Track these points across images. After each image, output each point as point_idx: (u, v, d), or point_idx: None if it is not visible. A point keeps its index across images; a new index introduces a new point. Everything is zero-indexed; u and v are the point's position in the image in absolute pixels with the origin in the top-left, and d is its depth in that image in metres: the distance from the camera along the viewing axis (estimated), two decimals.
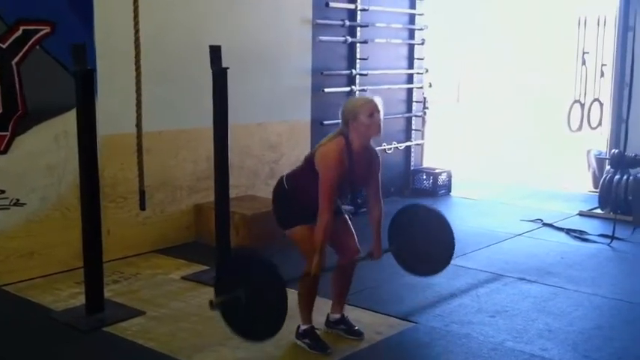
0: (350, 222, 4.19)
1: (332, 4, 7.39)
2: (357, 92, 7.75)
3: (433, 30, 8.79)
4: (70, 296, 4.90)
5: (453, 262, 5.73)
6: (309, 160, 3.93)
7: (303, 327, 4.11)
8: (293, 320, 4.23)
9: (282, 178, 4.08)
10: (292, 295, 4.31)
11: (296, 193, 3.97)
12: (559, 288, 5.20)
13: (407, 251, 4.44)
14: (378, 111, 3.85)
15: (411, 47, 8.56)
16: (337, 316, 4.30)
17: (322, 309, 4.31)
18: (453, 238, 4.40)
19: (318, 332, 4.14)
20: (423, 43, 8.59)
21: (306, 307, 4.10)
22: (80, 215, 4.54)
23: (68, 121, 5.02)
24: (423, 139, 8.96)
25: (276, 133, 6.95)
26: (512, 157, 11.70)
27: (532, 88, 17.06)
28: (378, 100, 3.89)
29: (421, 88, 8.75)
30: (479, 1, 13.19)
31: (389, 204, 7.99)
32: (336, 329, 4.27)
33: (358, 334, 4.24)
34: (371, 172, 4.04)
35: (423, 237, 4.40)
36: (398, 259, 4.53)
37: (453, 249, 4.42)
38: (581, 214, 7.59)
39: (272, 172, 6.93)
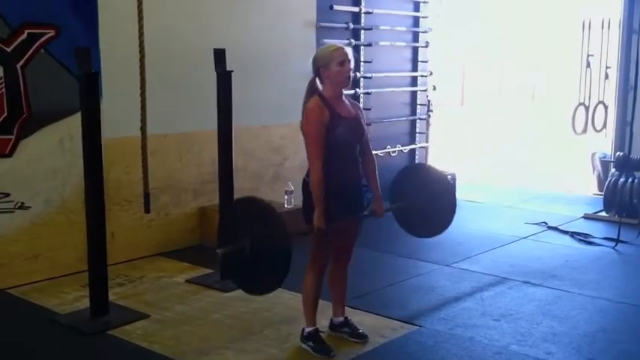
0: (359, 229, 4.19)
1: (336, 7, 7.40)
2: (362, 95, 7.76)
3: (437, 33, 8.78)
4: (74, 299, 4.91)
5: (456, 265, 5.81)
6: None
7: (307, 329, 4.11)
8: (298, 323, 4.25)
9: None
10: (297, 298, 4.33)
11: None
12: (563, 291, 5.18)
13: (408, 211, 4.43)
14: (349, 60, 3.88)
15: (415, 50, 8.55)
16: (340, 319, 4.29)
17: (327, 312, 4.31)
18: (454, 199, 4.43)
19: (322, 335, 4.14)
20: (427, 46, 8.58)
21: (311, 307, 4.10)
22: (85, 218, 4.55)
23: (73, 124, 5.04)
24: (427, 142, 8.95)
25: (279, 135, 6.95)
26: (517, 160, 11.70)
27: (536, 91, 17.08)
28: (349, 50, 3.92)
29: (425, 90, 8.74)
30: (483, 4, 13.21)
31: None
32: (340, 332, 4.27)
33: (362, 337, 4.23)
34: (360, 120, 4.04)
35: (425, 197, 4.40)
36: (399, 219, 4.53)
37: (454, 210, 4.43)
38: (585, 217, 7.58)
39: (276, 175, 6.94)
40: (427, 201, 4.42)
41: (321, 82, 3.93)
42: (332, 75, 3.87)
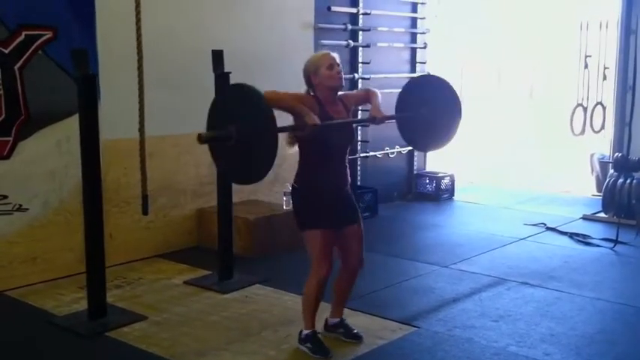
0: (362, 232, 4.16)
1: (334, 8, 7.41)
2: None
3: (435, 34, 8.79)
4: (72, 301, 4.90)
5: (455, 266, 5.80)
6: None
7: (305, 331, 4.10)
8: (296, 325, 4.25)
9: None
10: (296, 299, 4.33)
11: (300, 187, 3.97)
12: (562, 292, 5.18)
13: (412, 121, 4.39)
14: (338, 64, 3.95)
15: (413, 51, 8.56)
16: (336, 320, 4.29)
17: (325, 314, 4.30)
18: (459, 106, 4.40)
19: (320, 337, 4.14)
20: (425, 47, 8.59)
21: (310, 311, 4.08)
22: (83, 220, 4.54)
23: (70, 126, 5.03)
24: None
25: (279, 137, 6.92)
26: (515, 161, 11.70)
27: (535, 92, 17.08)
28: (336, 55, 4.00)
29: None
30: (481, 4, 13.20)
31: (392, 208, 8.04)
32: (335, 333, 4.27)
33: (357, 338, 4.23)
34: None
35: (429, 106, 4.37)
36: (402, 130, 4.56)
37: (459, 118, 4.41)
38: (584, 218, 7.57)
39: (275, 176, 6.90)
40: (431, 110, 4.36)
41: (314, 91, 3.98)
42: (322, 79, 3.92)
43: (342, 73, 3.99)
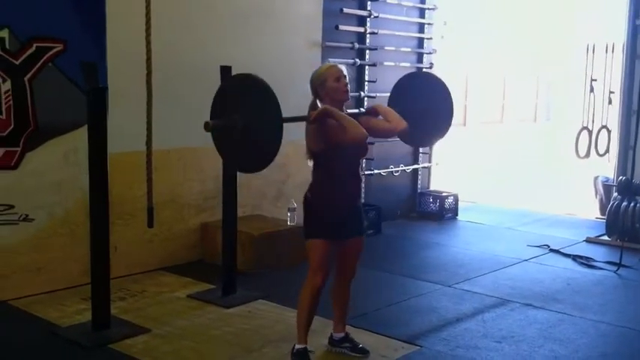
0: (363, 245, 4.19)
1: (341, 27, 7.46)
2: None
3: (441, 54, 8.85)
4: (76, 312, 4.91)
5: (458, 286, 5.80)
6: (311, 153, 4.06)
7: (297, 346, 4.07)
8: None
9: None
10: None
11: (314, 199, 4.01)
12: (565, 314, 5.18)
13: (408, 115, 4.40)
14: (345, 76, 3.98)
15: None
16: (341, 334, 4.29)
17: (327, 331, 4.31)
18: (452, 107, 4.41)
19: (311, 356, 4.10)
20: (431, 67, 8.63)
21: (304, 323, 4.06)
22: (88, 232, 4.56)
23: (78, 137, 5.07)
24: (430, 162, 8.98)
25: (283, 153, 6.89)
26: (519, 182, 11.71)
27: (539, 113, 17.13)
28: (343, 67, 4.02)
29: None
30: (487, 26, 13.29)
31: (395, 227, 8.04)
32: (341, 347, 4.27)
33: (363, 352, 4.24)
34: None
35: (423, 101, 4.39)
36: None
37: (451, 117, 4.42)
38: (588, 240, 7.57)
39: (279, 192, 6.95)
40: (425, 104, 4.39)
41: (321, 101, 3.99)
42: (329, 92, 3.95)
43: (349, 86, 4.01)
